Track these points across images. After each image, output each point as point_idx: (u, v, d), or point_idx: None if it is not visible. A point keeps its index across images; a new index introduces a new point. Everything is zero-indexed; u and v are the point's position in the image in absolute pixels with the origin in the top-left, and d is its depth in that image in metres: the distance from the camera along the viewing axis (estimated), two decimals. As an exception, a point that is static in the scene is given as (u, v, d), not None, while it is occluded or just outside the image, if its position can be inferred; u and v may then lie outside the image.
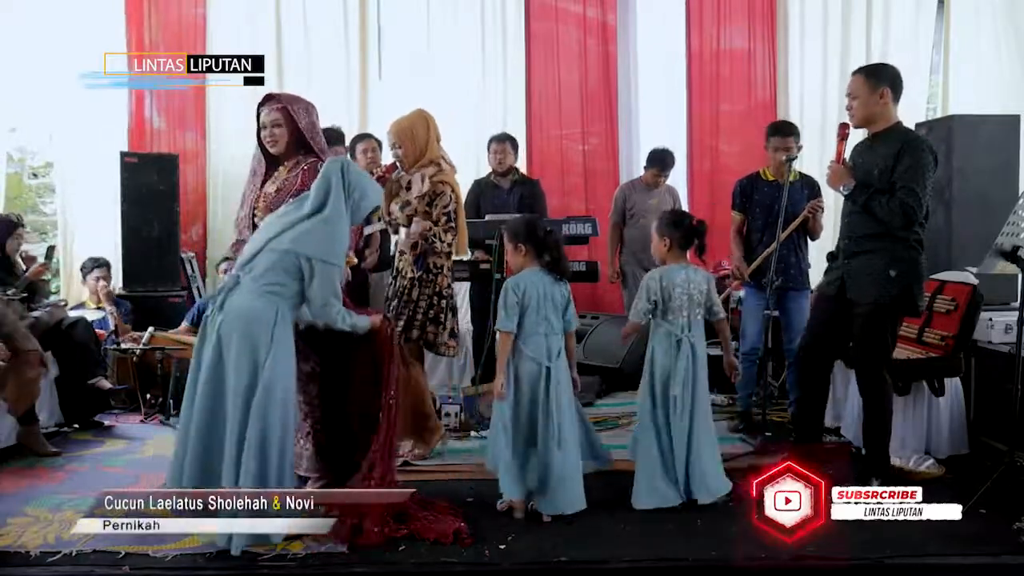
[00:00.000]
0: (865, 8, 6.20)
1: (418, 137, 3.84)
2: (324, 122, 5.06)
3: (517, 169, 5.43)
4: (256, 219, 3.51)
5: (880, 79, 3.42)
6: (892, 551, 2.84)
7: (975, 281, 3.95)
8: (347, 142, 5.11)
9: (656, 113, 6.49)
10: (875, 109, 3.41)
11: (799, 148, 4.39)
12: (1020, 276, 3.58)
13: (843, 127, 3.56)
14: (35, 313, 4.49)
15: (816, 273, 4.33)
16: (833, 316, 3.57)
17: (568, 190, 6.39)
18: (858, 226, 3.45)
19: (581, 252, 5.60)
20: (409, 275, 3.83)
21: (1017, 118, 4.79)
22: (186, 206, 5.98)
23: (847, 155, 3.59)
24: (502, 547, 2.93)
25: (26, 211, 7.03)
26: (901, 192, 3.29)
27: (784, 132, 4.41)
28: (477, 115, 6.27)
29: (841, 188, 3.47)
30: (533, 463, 3.19)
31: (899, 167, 3.31)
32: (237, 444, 2.82)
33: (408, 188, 3.83)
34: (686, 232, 3.38)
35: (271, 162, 3.53)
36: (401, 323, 3.76)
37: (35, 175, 7.51)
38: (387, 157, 5.23)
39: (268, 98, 3.50)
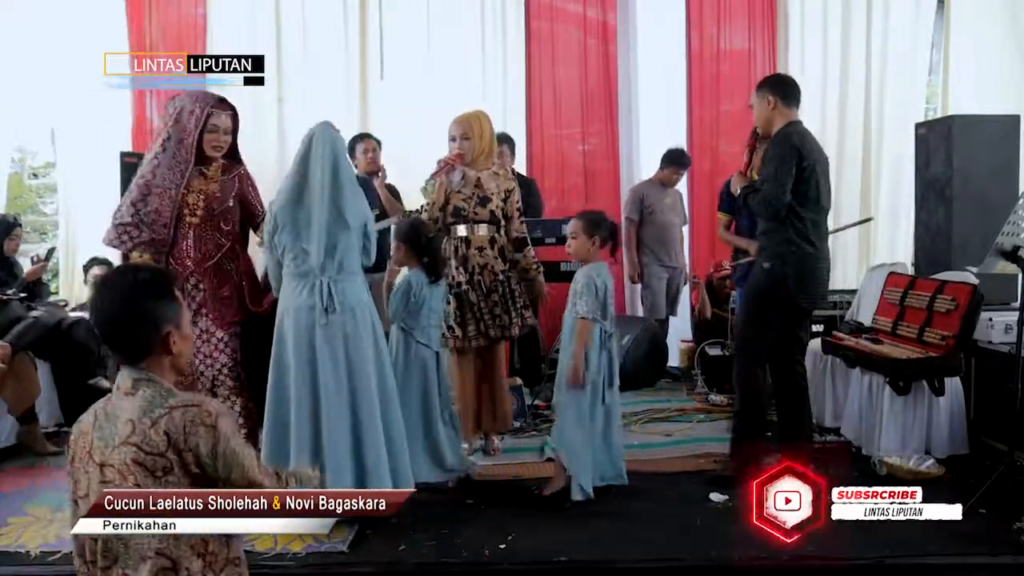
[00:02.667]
0: (865, 8, 6.20)
1: (485, 132, 3.90)
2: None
3: (513, 169, 5.43)
4: (189, 219, 3.38)
5: (766, 88, 3.61)
6: (892, 551, 2.84)
7: (975, 281, 3.95)
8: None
9: (656, 113, 6.48)
10: (767, 116, 3.60)
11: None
12: (1020, 276, 3.58)
13: (750, 138, 3.79)
14: (35, 313, 4.49)
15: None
16: None
17: (568, 190, 6.39)
18: (758, 225, 3.66)
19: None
20: (500, 268, 3.90)
21: (1017, 118, 4.77)
22: (186, 206, 5.97)
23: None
24: (502, 547, 2.93)
25: (26, 211, 7.04)
26: (763, 185, 3.47)
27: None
28: (477, 115, 6.26)
29: (736, 193, 3.68)
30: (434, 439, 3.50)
31: (765, 163, 3.51)
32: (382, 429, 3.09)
33: (479, 185, 3.87)
34: (610, 232, 3.47)
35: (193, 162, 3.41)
36: (507, 318, 3.87)
37: (35, 175, 7.52)
38: (394, 157, 5.25)
39: (223, 102, 3.44)
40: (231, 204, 3.43)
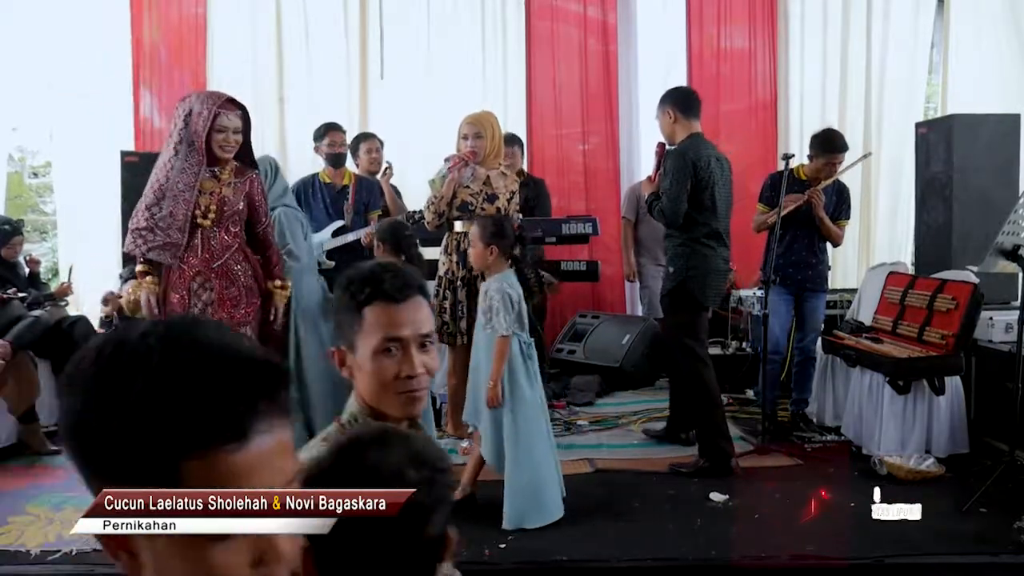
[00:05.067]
0: (865, 8, 6.20)
1: (496, 132, 3.99)
2: (323, 121, 5.12)
3: (523, 170, 5.42)
4: (200, 221, 3.33)
5: (667, 103, 3.82)
6: (892, 551, 2.84)
7: (975, 280, 3.94)
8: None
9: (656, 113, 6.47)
10: (670, 129, 3.81)
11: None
12: (1020, 275, 3.58)
13: (658, 146, 3.93)
14: (35, 313, 4.49)
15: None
16: None
17: (568, 190, 6.38)
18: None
19: (581, 252, 5.60)
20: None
21: (1017, 118, 4.77)
22: (186, 206, 5.96)
23: None
24: (502, 547, 2.93)
25: (26, 211, 7.04)
26: (663, 197, 3.74)
27: (832, 149, 4.32)
28: (477, 115, 6.27)
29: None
30: None
31: (664, 175, 3.73)
32: None
33: (487, 182, 3.93)
34: (512, 240, 3.28)
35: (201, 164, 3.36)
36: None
37: (35, 175, 7.52)
38: (394, 157, 5.25)
39: (231, 101, 3.37)
40: (241, 207, 3.42)
